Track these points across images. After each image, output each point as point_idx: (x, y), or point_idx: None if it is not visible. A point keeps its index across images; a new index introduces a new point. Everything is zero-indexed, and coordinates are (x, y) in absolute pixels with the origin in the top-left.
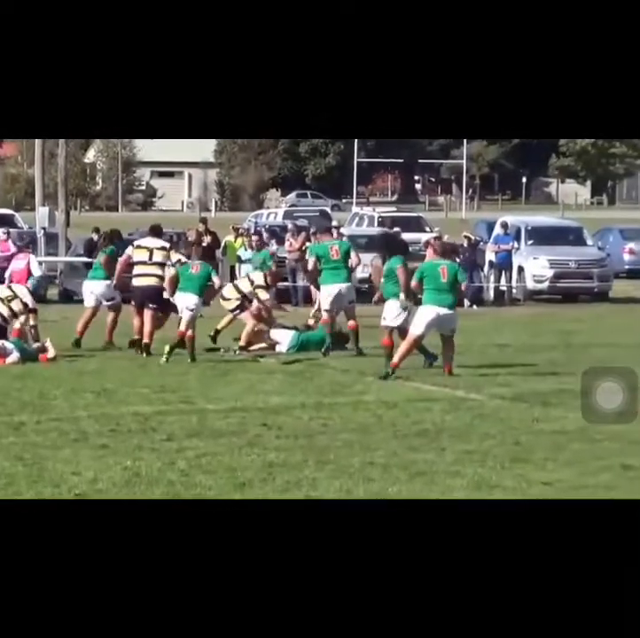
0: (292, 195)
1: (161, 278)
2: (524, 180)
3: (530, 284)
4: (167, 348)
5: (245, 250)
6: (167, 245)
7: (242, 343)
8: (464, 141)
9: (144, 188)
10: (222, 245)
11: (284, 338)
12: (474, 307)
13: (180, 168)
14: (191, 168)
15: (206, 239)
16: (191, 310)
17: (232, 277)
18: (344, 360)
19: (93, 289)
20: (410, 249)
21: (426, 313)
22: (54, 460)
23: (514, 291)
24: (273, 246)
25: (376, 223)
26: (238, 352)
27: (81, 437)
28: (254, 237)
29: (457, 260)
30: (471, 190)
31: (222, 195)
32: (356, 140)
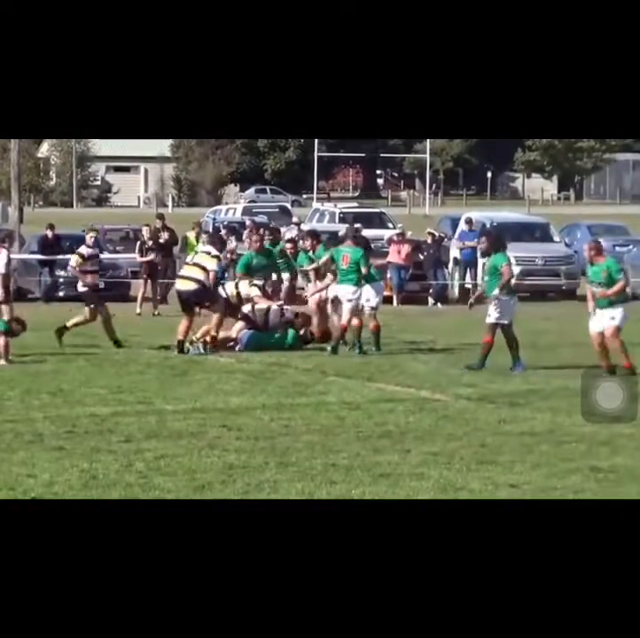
0: (251, 190)
1: (198, 281)
2: (489, 175)
3: None
4: (330, 346)
5: (203, 245)
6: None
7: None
8: None
9: (99, 183)
10: (181, 241)
11: (242, 336)
12: (439, 305)
13: (136, 163)
14: (148, 163)
15: (164, 236)
16: (351, 300)
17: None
18: (305, 359)
19: None
20: (373, 246)
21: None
22: (9, 462)
23: (479, 288)
24: (232, 243)
25: (337, 219)
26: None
27: (37, 439)
28: (255, 237)
29: (422, 257)
30: (434, 186)
31: (180, 190)
32: None
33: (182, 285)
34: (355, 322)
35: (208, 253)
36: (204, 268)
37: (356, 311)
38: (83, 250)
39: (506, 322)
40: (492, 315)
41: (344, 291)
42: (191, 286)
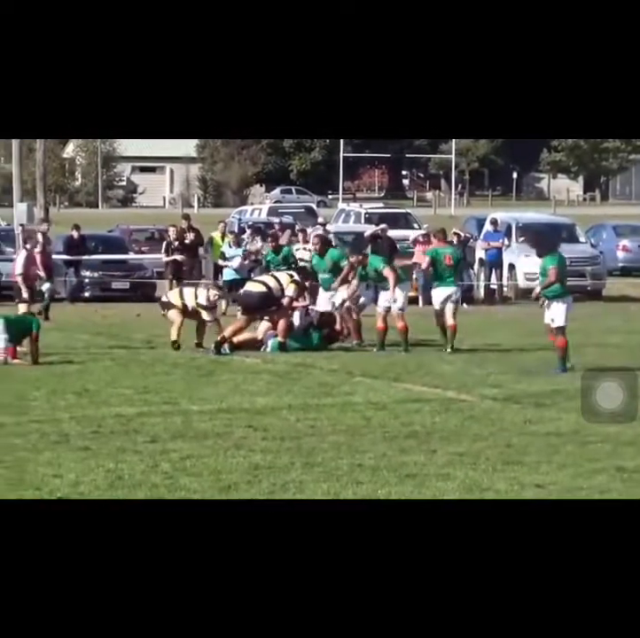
0: (277, 191)
1: (266, 285)
2: (514, 175)
3: (522, 282)
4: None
5: (230, 247)
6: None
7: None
8: None
9: (124, 184)
10: (206, 241)
11: (268, 338)
12: (464, 305)
13: (161, 164)
14: (173, 164)
15: (189, 236)
16: (455, 301)
17: (216, 275)
18: (331, 360)
19: None
20: (398, 246)
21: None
22: (35, 462)
23: (505, 289)
24: (258, 243)
25: (363, 220)
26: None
27: (63, 439)
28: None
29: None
30: (460, 186)
31: (205, 191)
32: None
33: (251, 287)
34: (380, 325)
35: (291, 276)
36: (279, 281)
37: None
38: None
39: (561, 324)
40: (557, 318)
41: (448, 292)
42: (260, 289)
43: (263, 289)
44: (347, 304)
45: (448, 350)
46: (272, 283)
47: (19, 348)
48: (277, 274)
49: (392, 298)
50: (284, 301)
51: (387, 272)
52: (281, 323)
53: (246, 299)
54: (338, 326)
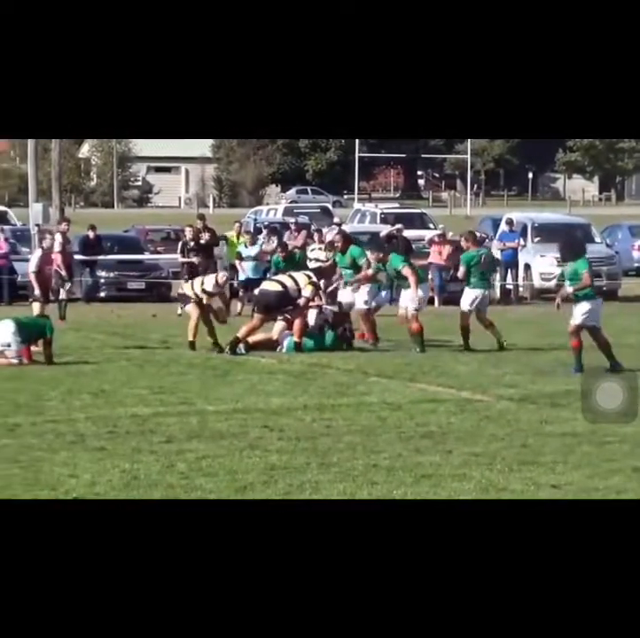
0: (292, 191)
1: (283, 284)
2: (530, 176)
3: (537, 283)
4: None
5: (246, 247)
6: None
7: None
8: None
9: (139, 184)
10: (222, 241)
11: (283, 339)
12: None
13: (177, 164)
14: (188, 164)
15: (205, 236)
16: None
17: (231, 275)
18: (346, 360)
19: None
20: (414, 246)
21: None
22: (51, 462)
23: (521, 289)
24: (273, 243)
25: (378, 220)
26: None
27: (79, 439)
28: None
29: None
30: (475, 186)
31: (221, 191)
32: None
33: (268, 286)
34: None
35: (309, 277)
36: (296, 281)
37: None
38: None
39: (595, 324)
40: (577, 317)
41: (479, 293)
42: (277, 288)
43: (280, 288)
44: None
45: (504, 342)
46: (289, 282)
47: (33, 348)
48: (294, 274)
49: (415, 296)
50: (301, 301)
51: (407, 271)
52: (296, 323)
53: (263, 299)
54: (356, 326)
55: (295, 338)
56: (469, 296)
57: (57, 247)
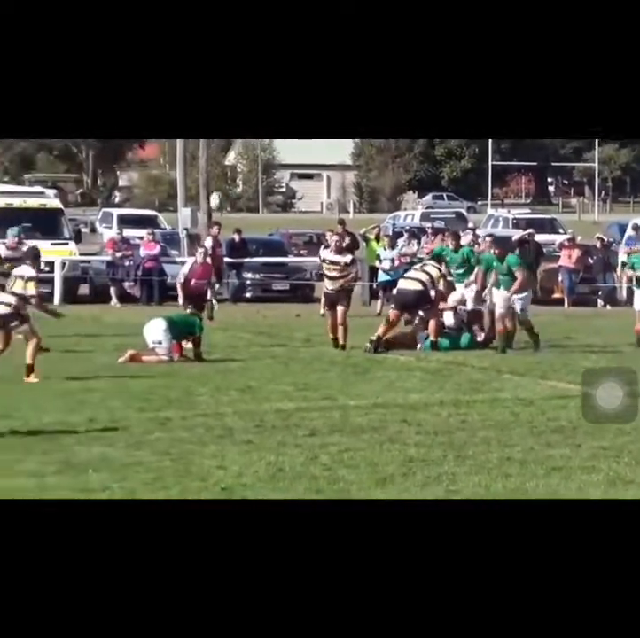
0: (429, 197)
1: (420, 281)
2: None
3: None
4: None
5: (385, 249)
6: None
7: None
8: (596, 144)
9: (283, 190)
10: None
11: (421, 337)
12: (608, 306)
13: (319, 171)
14: (330, 171)
15: (346, 240)
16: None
17: (372, 277)
18: (481, 358)
19: None
20: (545, 250)
21: None
22: (201, 455)
23: None
24: (414, 247)
25: (511, 225)
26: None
27: (227, 433)
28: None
29: (591, 261)
30: (603, 193)
31: (361, 197)
32: (490, 143)
33: (406, 285)
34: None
35: (439, 270)
36: (430, 276)
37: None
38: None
39: None
40: None
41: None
42: (416, 287)
43: (419, 287)
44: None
45: None
46: (425, 277)
47: (184, 344)
48: (426, 268)
49: (510, 297)
50: (432, 293)
51: (520, 273)
52: (432, 323)
53: (402, 298)
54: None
55: (431, 338)
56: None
57: (205, 259)
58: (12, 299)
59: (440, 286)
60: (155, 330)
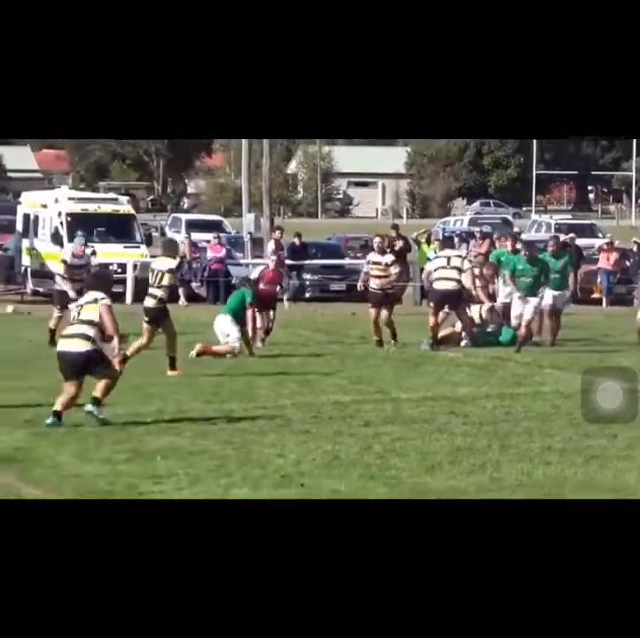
0: (477, 204)
1: (459, 282)
2: None
3: None
4: None
5: (435, 252)
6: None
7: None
8: (634, 154)
9: (341, 196)
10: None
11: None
12: None
13: (374, 179)
14: (385, 179)
15: (399, 244)
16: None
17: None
18: (524, 355)
19: None
20: (585, 253)
21: None
22: (261, 444)
23: None
24: (463, 250)
25: (553, 229)
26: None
27: (286, 423)
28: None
29: (628, 263)
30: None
31: (413, 203)
32: (535, 153)
33: (442, 285)
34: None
35: (462, 258)
36: (459, 270)
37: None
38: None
39: None
40: None
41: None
42: (451, 287)
43: (455, 286)
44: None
45: None
46: (456, 274)
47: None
48: (453, 260)
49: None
50: (465, 281)
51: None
52: (462, 318)
53: (439, 297)
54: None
55: (466, 333)
56: None
57: (269, 253)
58: (159, 293)
59: (465, 281)
60: (222, 324)
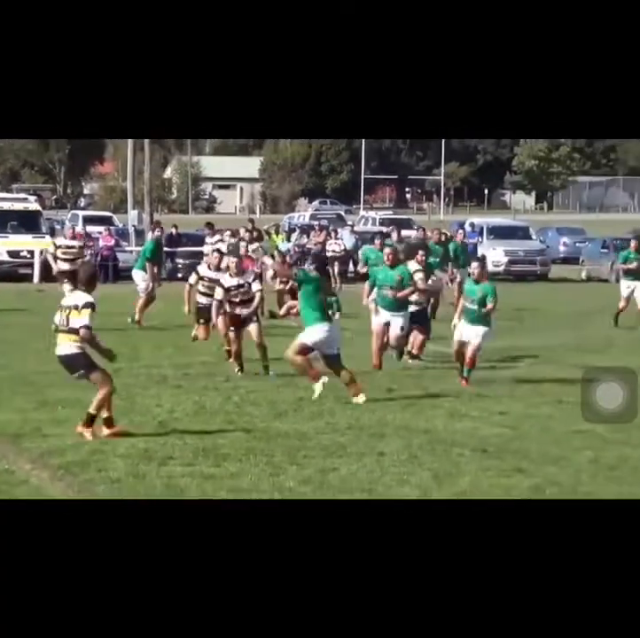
0: (316, 202)
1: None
2: (486, 192)
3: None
4: None
5: (283, 242)
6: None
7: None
8: (442, 162)
9: (207, 197)
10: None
11: None
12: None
13: (234, 182)
14: (242, 182)
15: (253, 235)
16: None
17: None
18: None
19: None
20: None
21: None
22: (142, 396)
23: None
24: (304, 239)
25: (377, 223)
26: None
27: (162, 379)
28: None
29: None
30: (447, 199)
31: (265, 202)
32: (363, 161)
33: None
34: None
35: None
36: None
37: None
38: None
39: None
40: None
41: None
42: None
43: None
44: None
45: None
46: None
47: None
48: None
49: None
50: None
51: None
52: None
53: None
54: None
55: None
56: None
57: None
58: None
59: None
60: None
